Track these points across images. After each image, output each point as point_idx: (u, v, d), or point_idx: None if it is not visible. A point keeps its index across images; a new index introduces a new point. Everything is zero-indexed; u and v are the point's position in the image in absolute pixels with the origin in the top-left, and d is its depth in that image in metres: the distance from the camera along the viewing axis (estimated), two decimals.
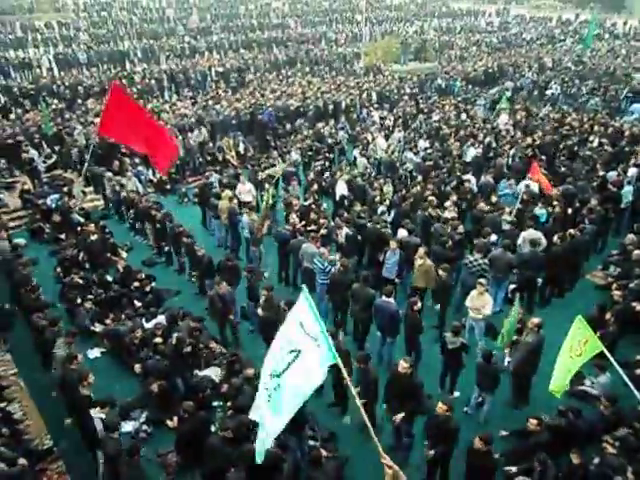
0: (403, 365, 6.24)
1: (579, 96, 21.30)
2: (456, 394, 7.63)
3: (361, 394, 6.65)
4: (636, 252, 9.55)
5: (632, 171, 12.49)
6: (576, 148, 14.46)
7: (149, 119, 10.51)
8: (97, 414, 6.00)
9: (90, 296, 9.02)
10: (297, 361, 3.80)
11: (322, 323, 3.88)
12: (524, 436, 6.34)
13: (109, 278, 9.65)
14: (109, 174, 13.52)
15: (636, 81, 21.98)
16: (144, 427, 7.11)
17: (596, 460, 6.03)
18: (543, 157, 13.82)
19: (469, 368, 7.31)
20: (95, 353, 8.56)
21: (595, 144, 14.80)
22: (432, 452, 5.95)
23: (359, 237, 9.97)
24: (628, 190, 11.54)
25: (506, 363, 7.80)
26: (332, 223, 10.47)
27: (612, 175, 12.25)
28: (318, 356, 3.75)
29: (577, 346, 5.76)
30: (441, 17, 40.93)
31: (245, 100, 19.23)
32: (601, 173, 12.32)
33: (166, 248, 11.11)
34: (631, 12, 44.96)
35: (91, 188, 14.32)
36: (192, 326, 7.85)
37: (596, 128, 15.86)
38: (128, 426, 6.93)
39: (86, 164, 12.59)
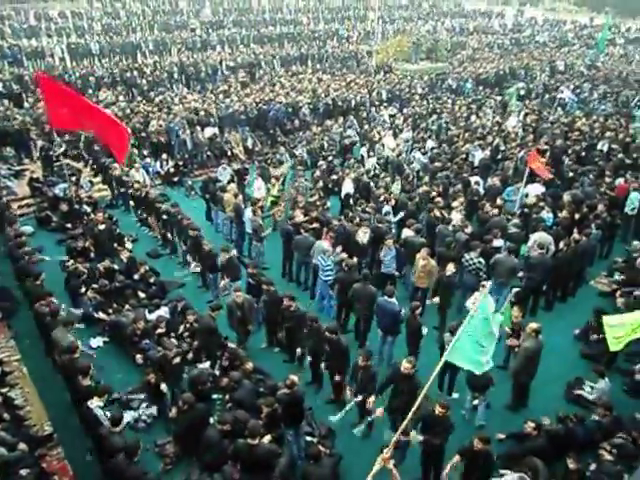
0: (406, 365, 6.26)
1: (590, 101, 21.16)
2: (455, 395, 7.64)
3: (359, 390, 6.72)
4: None
5: None
6: (584, 153, 14.38)
7: (90, 105, 10.07)
8: (95, 403, 6.04)
9: (95, 285, 9.06)
10: None
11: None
12: (521, 439, 6.34)
13: (116, 267, 9.70)
14: (116, 165, 13.60)
15: None
16: (144, 417, 7.17)
17: (593, 467, 6.04)
18: (551, 161, 13.75)
19: (468, 369, 7.30)
20: (97, 342, 8.62)
21: (605, 149, 14.71)
22: (420, 437, 5.97)
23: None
24: (635, 197, 11.47)
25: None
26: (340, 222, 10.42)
27: (620, 181, 12.18)
28: None
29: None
30: (454, 17, 40.71)
31: (255, 95, 19.25)
32: (608, 180, 12.25)
33: (176, 240, 11.10)
34: None
35: (99, 178, 14.40)
36: (191, 319, 7.95)
37: (608, 134, 15.74)
38: (128, 416, 6.98)
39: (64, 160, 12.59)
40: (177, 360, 7.10)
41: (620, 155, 13.93)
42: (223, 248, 9.27)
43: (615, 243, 11.48)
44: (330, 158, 14.10)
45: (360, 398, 6.73)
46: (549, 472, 5.80)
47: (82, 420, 6.49)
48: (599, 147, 14.90)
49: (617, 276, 10.34)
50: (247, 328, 8.22)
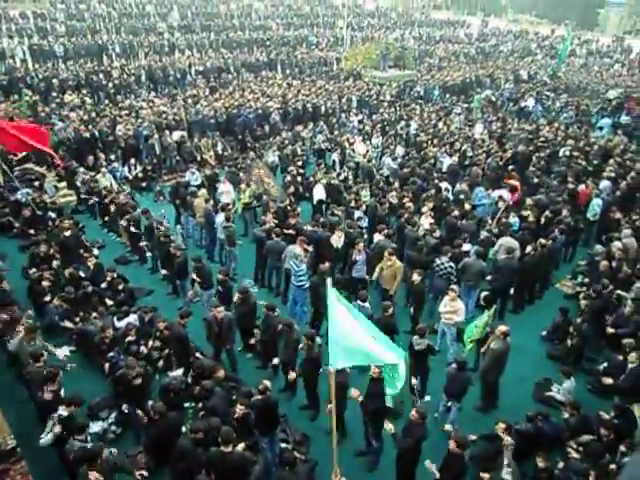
0: (374, 370, 6.28)
1: (553, 109, 21.83)
2: (427, 398, 7.71)
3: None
4: (603, 263, 9.83)
5: (604, 184, 12.83)
6: (549, 159, 14.80)
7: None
8: (60, 412, 5.86)
9: (62, 293, 8.80)
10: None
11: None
12: (492, 440, 6.44)
13: (82, 274, 9.45)
14: (82, 169, 13.31)
15: (608, 97, 22.62)
16: (112, 427, 6.99)
17: (561, 465, 6.18)
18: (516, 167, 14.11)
19: (440, 372, 7.40)
20: (63, 352, 8.36)
21: (567, 155, 15.17)
22: (391, 426, 6.01)
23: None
24: (597, 203, 11.86)
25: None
26: (309, 227, 10.45)
27: (582, 187, 12.58)
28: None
29: None
30: (421, 26, 41.42)
31: (224, 100, 19.13)
32: (571, 185, 12.64)
33: (144, 246, 10.92)
34: (603, 30, 46.40)
35: (64, 183, 14.04)
36: (161, 327, 7.79)
37: (569, 141, 16.26)
38: (96, 427, 6.80)
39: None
40: (138, 382, 6.58)
41: (582, 162, 14.42)
42: (194, 258, 9.16)
43: (578, 247, 11.84)
44: (300, 163, 14.12)
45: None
46: (520, 471, 5.90)
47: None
48: (561, 154, 15.38)
49: (580, 279, 10.67)
50: (224, 345, 7.97)
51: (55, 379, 6.20)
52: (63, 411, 5.94)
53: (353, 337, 4.83)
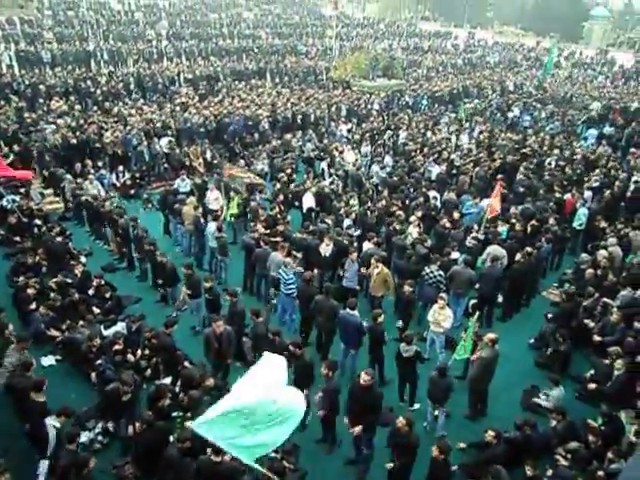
0: (364, 378, 6.28)
1: (539, 119, 22.15)
2: (416, 406, 7.72)
3: (323, 403, 6.70)
4: (589, 271, 9.95)
5: (587, 194, 13.04)
6: (535, 169, 14.99)
7: None
8: (51, 422, 5.77)
9: (48, 301, 8.69)
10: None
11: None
12: (481, 448, 6.46)
13: (69, 282, 9.35)
14: (69, 176, 13.21)
15: (592, 108, 23.00)
16: (99, 438, 6.89)
17: (549, 472, 6.21)
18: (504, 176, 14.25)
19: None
20: (49, 361, 8.25)
21: (552, 165, 15.39)
22: (391, 465, 6.00)
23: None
24: (582, 212, 12.03)
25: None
26: (299, 234, 10.46)
27: (567, 196, 12.75)
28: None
29: None
30: (409, 37, 41.89)
31: (213, 108, 19.12)
32: (558, 195, 12.80)
33: (134, 255, 10.84)
34: (587, 42, 47.30)
35: (50, 190, 13.91)
36: (149, 335, 7.72)
37: (555, 151, 16.50)
38: (83, 437, 6.67)
39: None
40: (127, 397, 6.52)
41: (568, 171, 14.64)
42: (185, 265, 9.13)
43: (565, 256, 11.97)
44: (289, 171, 14.14)
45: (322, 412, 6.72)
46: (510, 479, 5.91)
47: (32, 440, 6.18)
48: (546, 163, 15.60)
49: (567, 287, 10.75)
50: (225, 361, 7.70)
51: (41, 388, 6.11)
52: (54, 422, 5.85)
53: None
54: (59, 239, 10.20)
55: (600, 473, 5.85)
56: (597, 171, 14.73)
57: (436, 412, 7.33)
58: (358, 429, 6.36)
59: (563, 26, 46.48)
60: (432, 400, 7.19)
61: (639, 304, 8.96)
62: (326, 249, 9.67)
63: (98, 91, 20.51)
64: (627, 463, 5.67)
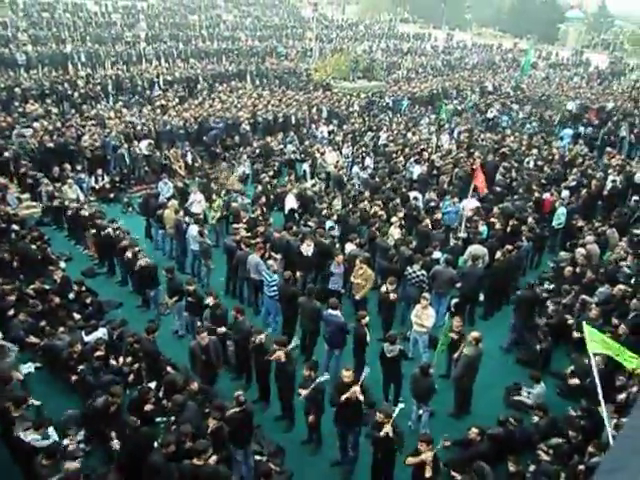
0: (345, 374, 6.32)
1: (518, 120, 22.47)
2: (401, 405, 7.72)
3: (307, 404, 6.70)
4: (568, 269, 10.12)
5: (564, 193, 13.25)
6: (515, 169, 15.18)
7: None
8: (30, 436, 5.66)
9: (28, 308, 8.53)
10: None
11: None
12: (466, 445, 6.52)
13: (47, 287, 9.19)
14: (46, 180, 13.00)
15: (568, 108, 23.40)
16: (81, 445, 6.78)
17: (532, 468, 6.30)
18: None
19: None
20: (29, 368, 8.09)
21: (531, 165, 15.62)
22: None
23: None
24: (562, 212, 12.23)
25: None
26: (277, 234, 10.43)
27: (546, 196, 12.95)
28: None
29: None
30: (388, 39, 42.16)
31: (194, 110, 19.00)
32: (537, 194, 12.99)
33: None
34: (563, 44, 48.16)
35: (27, 195, 13.67)
36: (131, 340, 7.63)
37: (534, 151, 16.75)
38: (64, 443, 6.57)
39: None
40: (113, 409, 6.44)
41: (547, 170, 14.88)
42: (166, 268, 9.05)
43: (545, 254, 12.15)
44: (271, 173, 14.11)
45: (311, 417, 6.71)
46: (494, 475, 5.97)
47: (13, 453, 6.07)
48: (525, 163, 15.83)
49: (547, 285, 10.93)
50: (214, 372, 7.53)
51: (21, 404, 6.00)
52: (33, 434, 5.74)
53: None
54: (37, 244, 10.00)
55: (581, 467, 5.95)
56: (574, 170, 14.99)
57: (420, 411, 7.38)
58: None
59: (539, 28, 47.24)
60: (415, 398, 7.24)
61: (616, 300, 9.14)
62: (307, 249, 9.68)
63: (76, 94, 20.22)
64: (605, 455, 5.76)
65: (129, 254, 9.59)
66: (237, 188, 12.43)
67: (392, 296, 8.65)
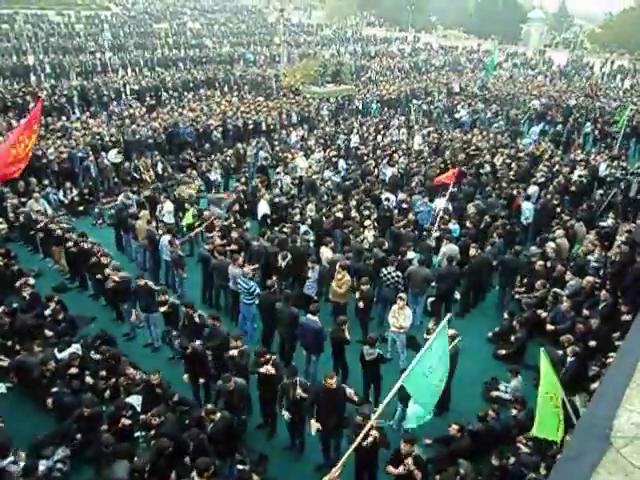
0: (329, 381, 6.29)
1: (484, 119, 22.88)
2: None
3: (287, 409, 6.67)
4: (539, 263, 10.31)
5: (532, 189, 13.54)
6: (483, 167, 15.46)
7: None
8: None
9: None
10: None
11: None
12: (447, 442, 6.58)
13: (15, 306, 8.94)
14: (11, 195, 12.67)
15: (533, 107, 23.94)
16: (58, 465, 6.60)
17: (512, 460, 6.38)
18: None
19: (392, 380, 7.46)
20: (1, 389, 7.86)
21: (499, 163, 15.91)
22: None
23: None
24: (526, 207, 12.48)
25: None
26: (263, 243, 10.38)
27: (514, 192, 13.19)
28: None
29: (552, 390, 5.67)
30: (356, 42, 42.53)
31: (162, 119, 18.80)
32: (507, 191, 13.23)
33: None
34: (526, 43, 49.34)
35: None
36: (107, 355, 7.48)
37: (502, 149, 17.07)
38: (41, 466, 6.40)
39: None
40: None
41: (515, 167, 15.18)
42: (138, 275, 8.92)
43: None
44: (244, 180, 14.04)
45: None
46: (475, 470, 6.04)
47: None
48: (495, 160, 16.11)
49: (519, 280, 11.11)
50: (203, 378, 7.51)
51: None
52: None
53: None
54: (4, 262, 9.74)
55: (560, 456, 6.05)
56: (541, 166, 15.33)
57: (399, 409, 7.40)
58: (317, 426, 6.36)
59: (503, 28, 48.33)
60: (399, 399, 7.26)
61: (586, 292, 9.37)
62: (282, 261, 9.63)
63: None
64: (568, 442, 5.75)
65: (104, 270, 9.39)
66: (186, 196, 12.51)
67: (364, 288, 8.67)
